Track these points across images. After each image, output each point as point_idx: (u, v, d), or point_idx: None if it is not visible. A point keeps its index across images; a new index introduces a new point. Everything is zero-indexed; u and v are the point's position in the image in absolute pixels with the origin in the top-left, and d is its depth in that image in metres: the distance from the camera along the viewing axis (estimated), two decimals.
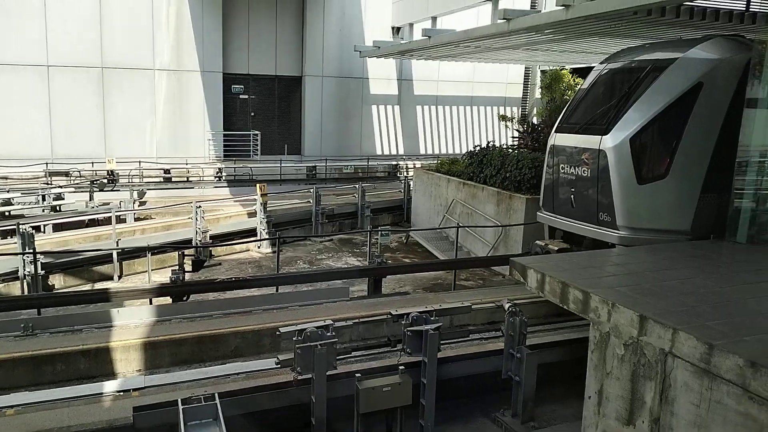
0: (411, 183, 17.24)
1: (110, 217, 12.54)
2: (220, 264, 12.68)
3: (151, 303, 8.61)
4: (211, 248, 12.96)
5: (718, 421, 3.72)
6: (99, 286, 10.90)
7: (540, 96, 26.38)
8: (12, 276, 10.44)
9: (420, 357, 5.82)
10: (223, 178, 21.00)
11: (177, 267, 10.44)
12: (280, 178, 21.23)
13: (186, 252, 11.60)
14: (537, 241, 9.01)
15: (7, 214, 14.49)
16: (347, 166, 23.71)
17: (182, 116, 22.05)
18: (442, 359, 6.00)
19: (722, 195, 7.13)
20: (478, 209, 12.72)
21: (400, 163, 24.71)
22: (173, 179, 20.57)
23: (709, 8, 11.02)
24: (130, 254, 11.90)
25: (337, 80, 24.50)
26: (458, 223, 12.31)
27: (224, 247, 13.45)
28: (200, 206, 12.99)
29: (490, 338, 6.96)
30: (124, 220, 14.43)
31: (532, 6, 20.40)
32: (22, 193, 15.74)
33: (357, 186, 16.79)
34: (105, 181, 18.50)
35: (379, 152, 25.74)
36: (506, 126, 26.00)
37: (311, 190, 15.68)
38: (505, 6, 14.39)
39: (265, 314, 8.27)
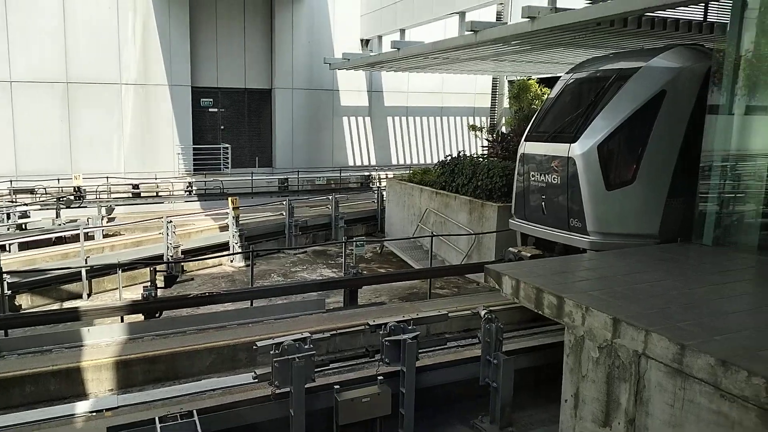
0: (384, 193, 17.31)
1: (78, 234, 12.29)
2: (192, 279, 12.51)
3: (122, 321, 8.45)
4: (183, 263, 12.79)
5: (692, 420, 3.81)
6: (68, 305, 10.65)
7: (508, 106, 26.81)
8: None
9: (398, 366, 5.83)
10: (194, 192, 20.77)
11: (148, 283, 10.27)
12: (252, 191, 21.09)
13: (158, 268, 11.42)
14: (510, 248, 9.12)
15: None
16: (319, 177, 23.68)
17: (150, 130, 21.77)
18: (420, 368, 6.02)
19: (688, 199, 7.33)
20: (451, 218, 12.83)
21: (372, 173, 24.77)
22: (142, 194, 20.26)
23: (669, 19, 11.39)
24: (100, 272, 11.66)
25: (307, 92, 24.51)
26: (432, 232, 12.39)
27: (197, 261, 13.28)
28: (171, 221, 12.82)
29: (466, 345, 7.01)
30: (92, 237, 14.15)
31: (498, 18, 20.79)
32: None
33: (330, 197, 16.78)
34: (72, 197, 18.12)
35: (351, 163, 25.78)
36: (476, 136, 26.34)
37: (284, 203, 15.60)
38: (472, 18, 14.63)
39: (240, 329, 8.18)
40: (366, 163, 26.13)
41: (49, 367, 6.82)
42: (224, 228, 14.92)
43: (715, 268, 6.09)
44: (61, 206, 16.59)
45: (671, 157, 7.77)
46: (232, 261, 13.77)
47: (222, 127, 23.71)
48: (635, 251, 6.89)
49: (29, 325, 8.46)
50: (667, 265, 6.16)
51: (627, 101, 7.94)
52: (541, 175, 8.64)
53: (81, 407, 6.09)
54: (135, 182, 20.47)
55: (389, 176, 20.28)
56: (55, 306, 10.85)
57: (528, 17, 11.59)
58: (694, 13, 11.38)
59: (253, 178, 21.94)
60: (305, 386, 5.46)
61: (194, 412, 4.79)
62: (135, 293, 10.36)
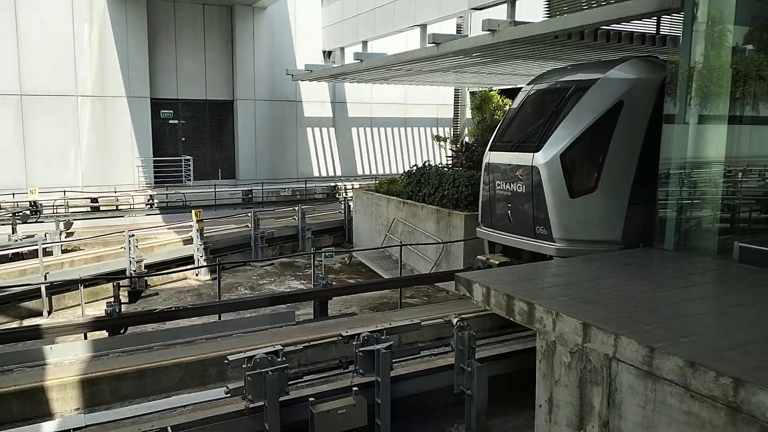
0: (351, 204, 17.32)
1: (35, 250, 11.93)
2: (157, 294, 12.25)
3: (86, 338, 8.23)
4: (147, 278, 12.53)
5: (664, 421, 3.92)
6: (28, 322, 10.31)
7: (471, 116, 27.26)
8: None
9: (373, 377, 5.84)
10: (155, 205, 20.38)
11: (112, 299, 10.01)
12: (215, 203, 20.83)
13: (121, 283, 11.16)
14: (478, 256, 9.23)
15: None
16: (284, 188, 23.54)
17: (109, 143, 21.33)
18: (395, 378, 6.03)
19: (648, 205, 7.57)
20: (419, 227, 12.93)
21: (338, 184, 24.77)
22: (101, 208, 19.78)
23: (624, 32, 11.82)
24: (60, 288, 11.32)
25: (269, 104, 24.40)
26: (401, 242, 12.45)
27: (161, 276, 13.02)
28: (133, 234, 12.55)
29: (439, 354, 7.05)
30: (50, 253, 13.74)
31: (458, 31, 21.22)
32: None
33: (296, 208, 16.70)
34: (28, 212, 17.56)
35: (316, 174, 25.73)
36: (441, 146, 26.67)
37: (249, 214, 15.45)
38: (433, 31, 14.90)
39: (208, 343, 8.04)
40: (331, 173, 26.13)
41: (12, 387, 6.58)
42: (188, 241, 14.68)
43: (677, 272, 6.30)
44: (17, 221, 16.05)
45: (631, 164, 8.01)
46: (197, 274, 13.55)
47: (183, 139, 23.39)
48: (600, 257, 7.08)
49: None
50: (631, 270, 6.35)
51: (587, 111, 8.16)
52: (506, 184, 8.79)
53: (47, 428, 5.89)
54: (94, 196, 20.00)
55: (355, 186, 20.33)
56: (15, 324, 10.48)
57: (488, 30, 11.87)
58: (647, 26, 11.85)
59: (217, 190, 21.69)
60: (279, 399, 5.42)
61: (168, 428, 4.70)
62: (98, 309, 10.09)
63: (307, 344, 6.93)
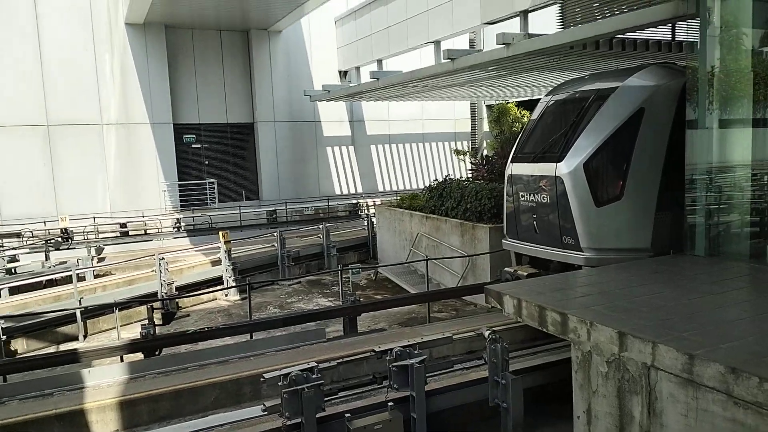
0: (374, 220, 17.42)
1: (67, 276, 12.19)
2: (188, 315, 12.43)
3: (122, 360, 8.37)
4: (178, 300, 12.73)
5: (707, 429, 3.88)
6: (64, 347, 10.53)
7: (489, 129, 27.27)
8: None
9: (407, 392, 5.88)
10: (182, 228, 20.68)
11: (146, 321, 10.22)
12: (241, 224, 21.07)
13: (154, 305, 11.36)
14: (506, 268, 9.24)
15: None
16: (307, 207, 23.75)
17: (135, 169, 21.75)
18: (429, 392, 6.06)
19: (676, 212, 7.53)
20: (443, 241, 12.96)
21: (359, 201, 24.91)
22: (130, 233, 20.13)
23: (639, 39, 11.80)
24: (94, 312, 11.55)
25: (289, 125, 24.71)
26: (426, 256, 12.49)
27: (191, 297, 13.21)
28: (163, 258, 12.78)
29: (471, 367, 7.06)
30: (83, 278, 14.02)
31: (471, 46, 21.34)
32: None
33: (320, 226, 16.84)
34: (60, 239, 17.95)
35: (337, 192, 25.92)
36: (461, 160, 26.73)
37: (275, 234, 15.63)
38: (446, 47, 15.05)
39: (242, 362, 8.14)
40: (352, 191, 26.30)
41: (52, 411, 6.73)
42: (216, 262, 14.87)
43: (710, 277, 6.25)
44: (50, 248, 16.43)
45: (656, 171, 7.98)
46: (226, 295, 13.72)
47: (206, 163, 23.76)
48: (631, 265, 7.05)
49: (28, 369, 8.33)
50: (663, 277, 6.32)
51: (608, 120, 8.16)
52: (530, 195, 8.81)
53: None
54: (122, 221, 20.36)
55: (377, 203, 20.44)
56: (51, 349, 10.71)
57: (503, 43, 11.96)
58: (662, 33, 11.82)
59: (241, 211, 21.94)
60: (316, 416, 5.48)
61: None
62: (131, 332, 10.27)
63: (340, 360, 7.01)
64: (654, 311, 5.03)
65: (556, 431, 6.10)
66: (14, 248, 16.49)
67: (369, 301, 11.00)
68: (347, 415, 5.67)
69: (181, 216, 21.22)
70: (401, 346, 6.01)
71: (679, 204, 7.36)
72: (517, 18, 12.42)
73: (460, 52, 14.41)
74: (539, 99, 10.07)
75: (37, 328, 10.87)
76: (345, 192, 26.13)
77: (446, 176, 15.18)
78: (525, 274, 8.56)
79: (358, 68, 23.15)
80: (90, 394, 7.17)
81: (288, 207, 22.99)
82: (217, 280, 14.13)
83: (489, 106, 27.55)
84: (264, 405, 5.80)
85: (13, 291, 12.92)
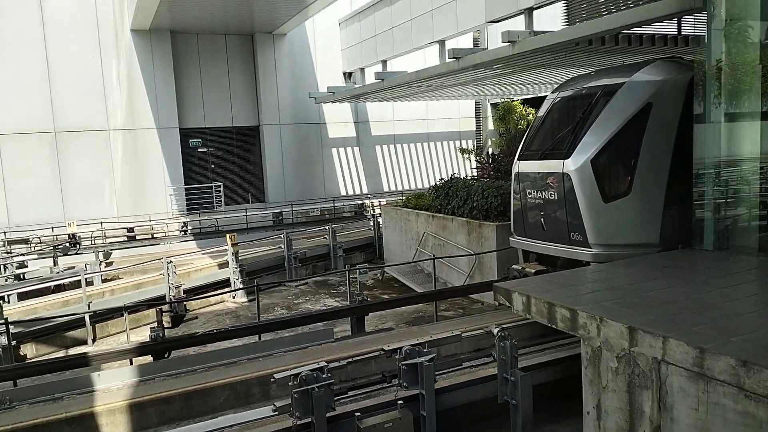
0: (380, 220, 17.42)
1: (75, 281, 12.26)
2: (196, 318, 12.47)
3: (131, 363, 8.40)
4: (186, 302, 12.77)
5: (719, 422, 3.86)
6: (74, 351, 10.57)
7: (494, 127, 27.28)
8: None
9: (417, 390, 5.87)
10: (189, 231, 20.74)
11: (155, 324, 10.25)
12: (247, 227, 21.10)
13: (163, 308, 11.40)
14: (514, 266, 9.22)
15: None
16: (313, 209, 23.77)
17: (141, 173, 21.83)
18: (439, 390, 6.05)
19: (684, 206, 7.49)
20: (450, 240, 12.94)
21: (365, 201, 24.90)
22: (138, 237, 20.19)
23: (645, 34, 11.75)
24: (102, 316, 11.60)
25: (294, 127, 24.74)
26: (433, 255, 12.47)
27: (199, 300, 13.25)
28: (171, 261, 12.83)
29: (480, 365, 7.04)
30: (91, 283, 14.09)
31: (475, 44, 21.31)
32: None
33: (327, 227, 16.86)
34: (68, 245, 18.05)
35: (343, 193, 25.94)
36: (467, 158, 26.72)
37: (281, 236, 15.66)
38: (451, 46, 15.01)
39: (250, 363, 8.16)
40: (358, 191, 26.31)
41: (62, 415, 6.75)
42: (223, 265, 14.91)
43: (720, 272, 6.21)
44: (58, 254, 16.51)
45: (664, 166, 7.94)
46: (234, 297, 13.75)
47: (212, 166, 23.83)
48: (640, 260, 7.02)
49: (38, 373, 8.38)
50: (672, 272, 6.28)
51: (615, 116, 8.13)
52: (537, 192, 8.79)
53: None
54: (129, 225, 20.44)
55: (382, 203, 20.44)
56: (61, 353, 10.76)
57: (508, 41, 11.92)
58: (668, 27, 11.75)
59: (248, 213, 21.98)
60: (326, 415, 5.48)
61: None
62: (140, 335, 10.31)
63: (349, 360, 7.01)
64: (663, 306, 5.00)
65: (566, 427, 6.07)
66: (23, 254, 16.59)
67: (376, 301, 11.00)
68: (357, 414, 5.67)
69: (188, 219, 21.29)
70: (411, 345, 6.00)
71: (688, 199, 7.32)
72: (522, 15, 12.40)
73: (466, 51, 14.37)
74: (545, 96, 10.04)
75: (47, 333, 10.94)
76: (350, 193, 26.15)
77: (452, 175, 15.16)
78: (533, 271, 8.53)
79: (362, 69, 23.15)
80: (100, 398, 7.19)
81: (294, 209, 23.01)
82: (225, 283, 14.17)
83: (494, 105, 27.56)
84: (274, 405, 5.80)
85: (22, 297, 13.00)
